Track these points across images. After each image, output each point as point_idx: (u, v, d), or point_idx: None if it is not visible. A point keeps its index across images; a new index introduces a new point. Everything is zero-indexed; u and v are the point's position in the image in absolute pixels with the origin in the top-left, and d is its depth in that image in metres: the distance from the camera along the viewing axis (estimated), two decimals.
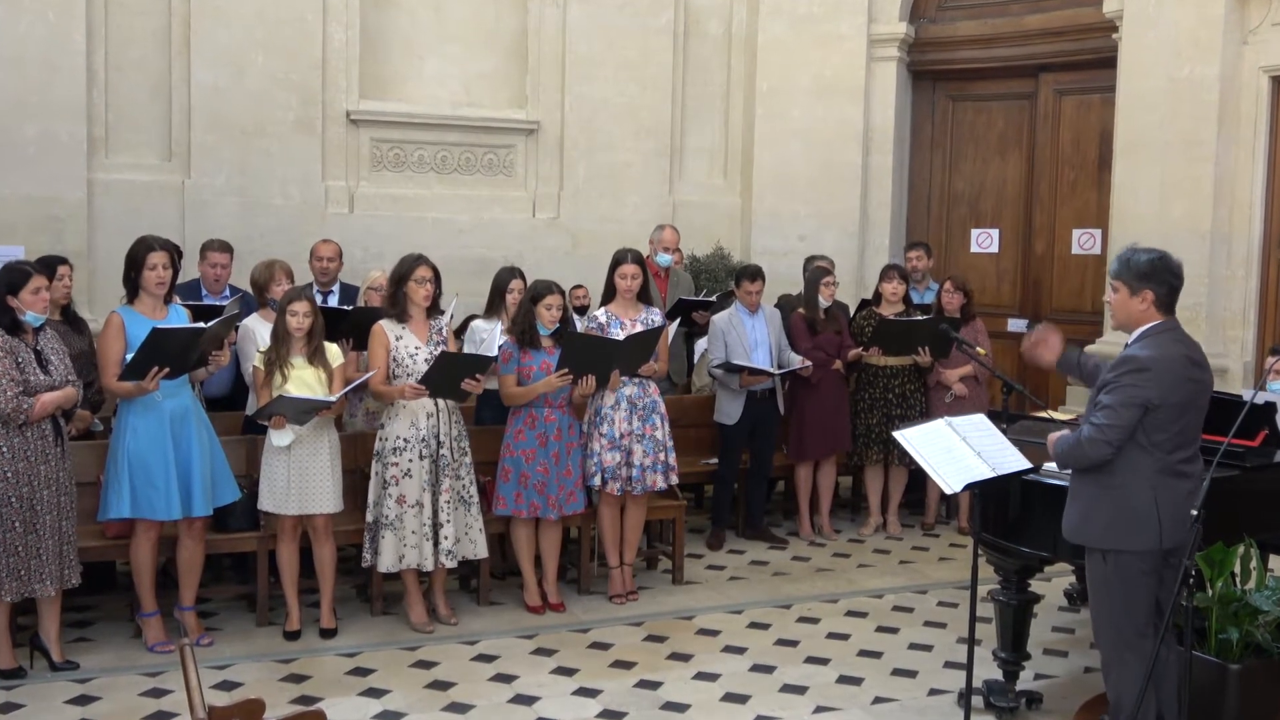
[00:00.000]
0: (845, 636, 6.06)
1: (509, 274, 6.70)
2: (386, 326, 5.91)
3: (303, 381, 5.66)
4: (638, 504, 6.52)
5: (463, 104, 9.72)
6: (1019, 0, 9.76)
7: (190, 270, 7.39)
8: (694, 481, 8.02)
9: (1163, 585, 4.23)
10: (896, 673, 5.59)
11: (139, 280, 5.50)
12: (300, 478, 5.69)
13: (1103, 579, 4.31)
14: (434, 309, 6.01)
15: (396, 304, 5.92)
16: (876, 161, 10.18)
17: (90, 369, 5.84)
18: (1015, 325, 9.93)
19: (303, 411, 5.59)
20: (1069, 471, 4.63)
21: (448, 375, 5.74)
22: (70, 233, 8.38)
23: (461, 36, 9.74)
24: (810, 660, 5.73)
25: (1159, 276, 4.22)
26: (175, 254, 5.69)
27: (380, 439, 5.92)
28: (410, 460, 5.82)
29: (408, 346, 5.89)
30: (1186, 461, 4.19)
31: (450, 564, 5.93)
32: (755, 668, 5.62)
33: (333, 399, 5.65)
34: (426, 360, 5.82)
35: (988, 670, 5.21)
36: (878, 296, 7.91)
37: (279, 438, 5.64)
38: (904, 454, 6.27)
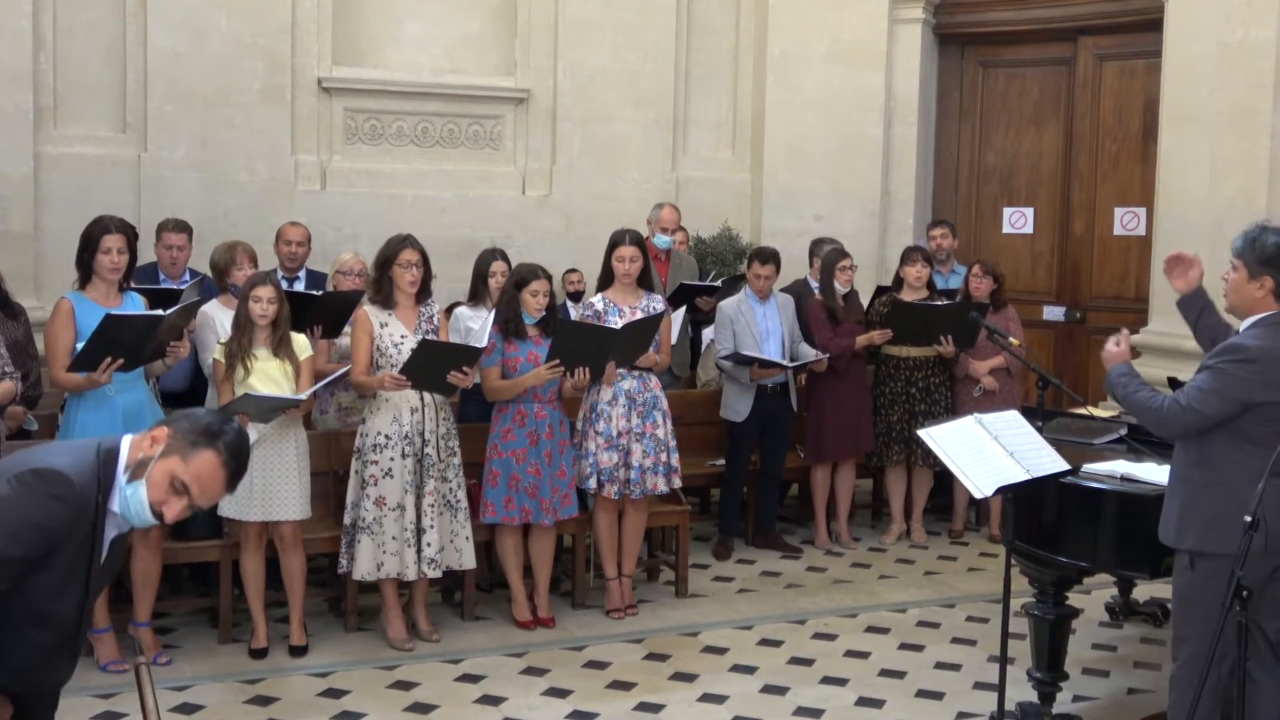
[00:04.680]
0: (865, 655, 6.05)
1: (490, 256, 6.69)
2: (371, 313, 5.91)
3: (267, 375, 5.64)
4: (637, 509, 6.50)
5: (445, 71, 9.69)
6: None
7: (146, 253, 7.36)
8: (699, 485, 8.01)
9: (1263, 606, 4.13)
10: (921, 694, 5.58)
11: (91, 264, 5.48)
12: (264, 481, 5.67)
13: (1188, 588, 4.24)
14: (423, 294, 5.99)
15: (381, 289, 5.91)
16: (899, 134, 10.15)
17: (26, 360, 5.81)
18: (1051, 313, 9.92)
19: (269, 410, 5.57)
20: (1117, 474, 4.60)
21: (431, 366, 5.72)
22: (16, 211, 8.36)
23: None
24: (827, 681, 5.71)
25: None
26: (133, 237, 5.67)
27: (361, 435, 5.92)
28: (391, 459, 5.80)
29: (393, 335, 5.87)
30: None
31: (433, 574, 5.92)
32: (766, 689, 5.60)
33: (301, 397, 5.63)
34: (413, 350, 5.80)
35: (1021, 691, 5.20)
36: (899, 281, 7.87)
37: None
38: (929, 454, 6.27)
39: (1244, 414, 4.10)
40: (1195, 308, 4.75)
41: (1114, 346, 4.61)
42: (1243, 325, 4.28)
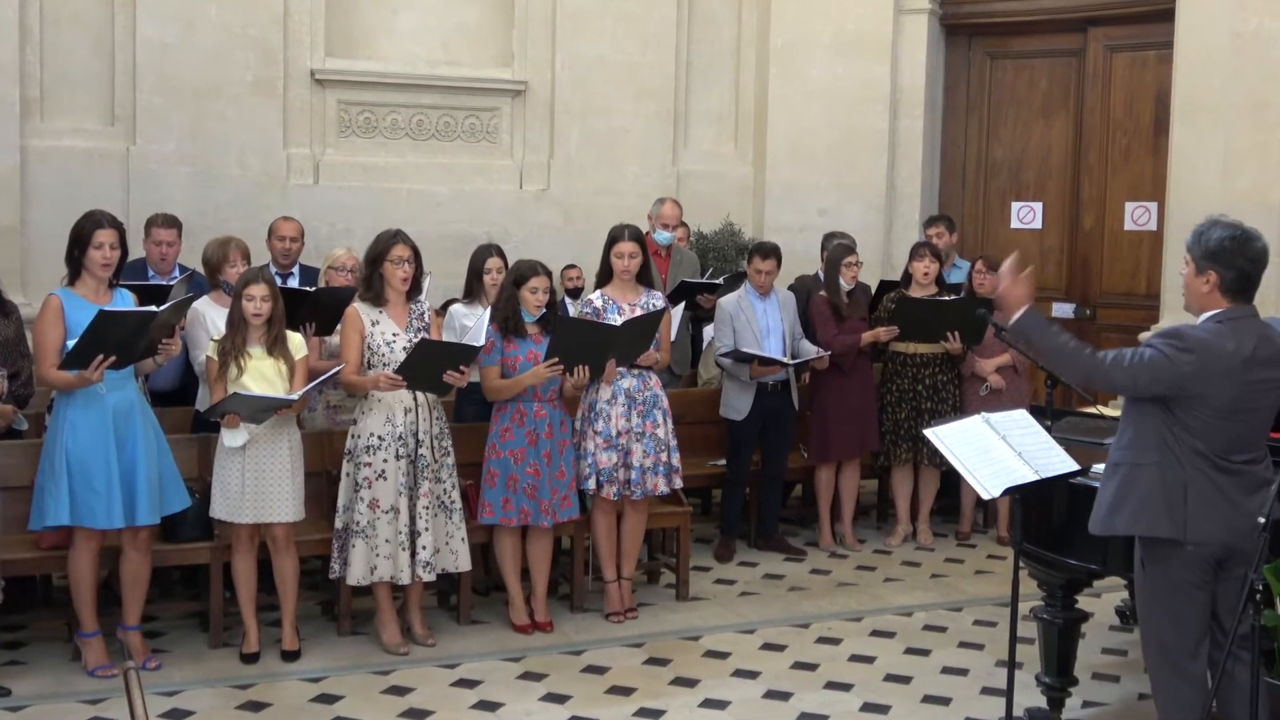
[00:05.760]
0: (870, 659, 6.05)
1: (486, 252, 6.68)
2: (361, 310, 5.89)
3: (260, 374, 5.64)
4: (637, 510, 6.50)
5: (441, 62, 9.68)
6: None
7: (135, 249, 7.37)
8: (700, 485, 8.01)
9: (1220, 602, 4.21)
10: (928, 700, 5.58)
11: (82, 259, 5.48)
12: (256, 482, 5.66)
13: (1147, 590, 4.31)
14: (414, 291, 5.99)
15: (372, 287, 5.90)
16: (905, 126, 10.14)
17: (16, 358, 5.81)
18: (1060, 310, 9.90)
19: (260, 410, 5.57)
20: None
21: (428, 366, 5.72)
22: (2, 206, 8.36)
23: None
24: (831, 686, 5.71)
25: (1227, 258, 4.17)
26: (123, 232, 5.66)
27: (352, 436, 5.90)
28: (385, 460, 5.80)
29: (384, 333, 5.86)
30: (1246, 462, 4.17)
31: (428, 577, 5.92)
32: (769, 694, 5.60)
33: (293, 397, 5.63)
34: (405, 348, 5.80)
35: (1030, 697, 5.21)
36: (906, 278, 7.87)
37: (231, 438, 5.62)
38: (935, 454, 6.27)
39: (1176, 401, 4.12)
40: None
41: (1012, 284, 4.49)
42: (1197, 321, 4.30)
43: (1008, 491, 4.53)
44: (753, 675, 5.81)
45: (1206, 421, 4.12)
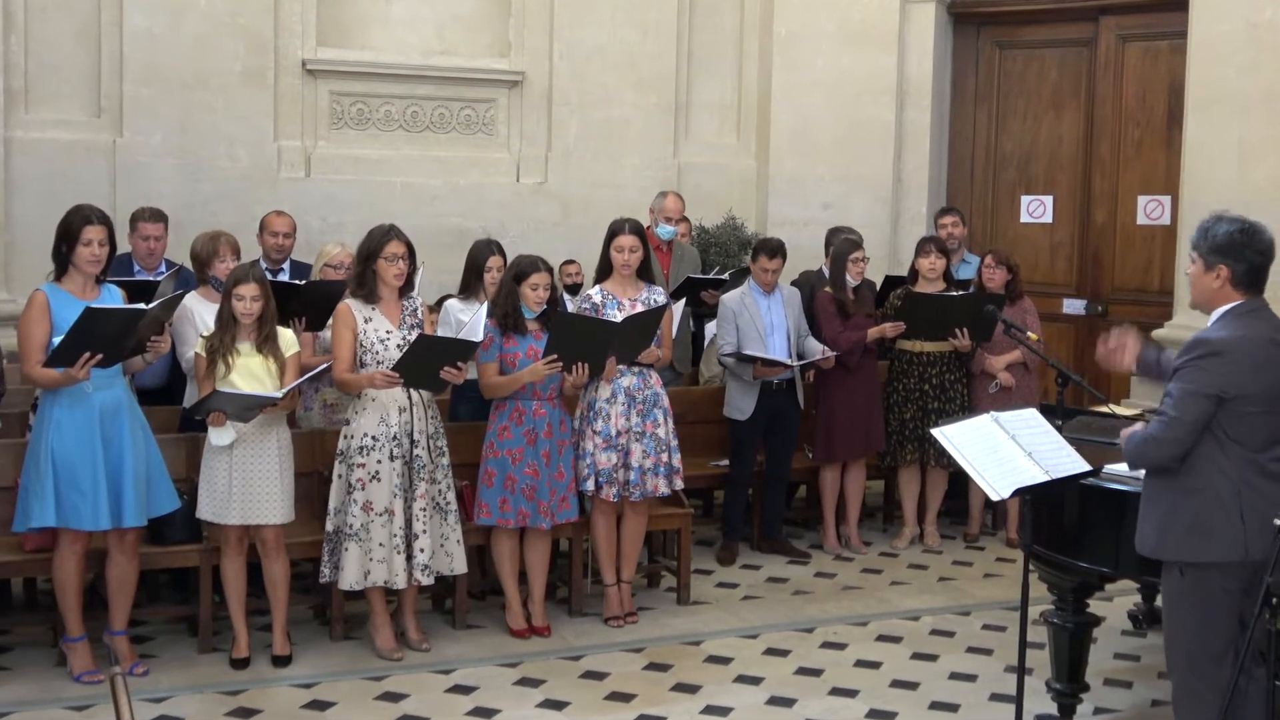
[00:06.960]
0: (876, 665, 6.05)
1: (486, 249, 6.68)
2: (354, 307, 5.89)
3: (249, 371, 5.62)
4: (637, 512, 6.50)
5: (436, 52, 9.68)
6: None
7: (121, 243, 7.36)
8: (702, 486, 8.00)
9: (1249, 605, 4.20)
10: (935, 706, 5.57)
11: (70, 255, 5.47)
12: (244, 482, 5.66)
13: (1178, 595, 4.29)
14: (407, 288, 5.98)
15: (364, 283, 5.90)
16: (912, 118, 10.14)
17: None
18: (1071, 306, 9.91)
19: (245, 408, 5.56)
20: (1138, 473, 4.60)
21: (426, 362, 5.71)
22: None
23: None
24: (836, 692, 5.71)
25: (1236, 252, 4.21)
26: (112, 228, 5.66)
27: (345, 436, 5.90)
28: (379, 461, 5.79)
29: (378, 330, 5.86)
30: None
31: (426, 581, 5.91)
32: (772, 700, 5.60)
33: (277, 395, 5.61)
34: (399, 346, 5.80)
35: (1040, 703, 5.21)
36: (913, 274, 7.86)
37: (218, 436, 5.61)
38: (943, 454, 6.26)
39: (1219, 410, 4.12)
40: (1153, 364, 4.66)
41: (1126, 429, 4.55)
42: (1210, 319, 4.31)
43: (1017, 492, 4.53)
44: (755, 681, 5.81)
45: (1247, 419, 4.11)
